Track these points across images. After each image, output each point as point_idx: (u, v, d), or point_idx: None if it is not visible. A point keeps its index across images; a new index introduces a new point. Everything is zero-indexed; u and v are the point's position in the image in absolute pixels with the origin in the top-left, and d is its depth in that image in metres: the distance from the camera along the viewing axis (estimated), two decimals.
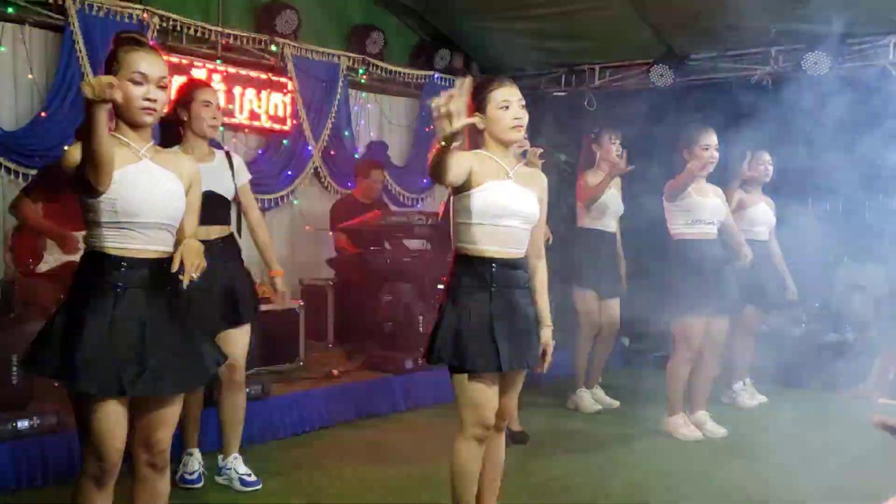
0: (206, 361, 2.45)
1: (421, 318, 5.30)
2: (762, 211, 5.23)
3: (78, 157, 2.22)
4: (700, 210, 4.38)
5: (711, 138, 4.39)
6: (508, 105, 2.74)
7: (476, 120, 2.59)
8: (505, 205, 2.73)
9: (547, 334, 2.89)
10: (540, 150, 3.76)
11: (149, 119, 2.36)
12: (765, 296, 5.15)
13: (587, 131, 5.36)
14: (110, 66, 2.34)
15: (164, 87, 2.36)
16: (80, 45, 5.04)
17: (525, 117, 2.78)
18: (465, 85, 2.41)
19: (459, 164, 2.63)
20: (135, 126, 2.36)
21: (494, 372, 2.75)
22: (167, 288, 2.37)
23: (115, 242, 2.31)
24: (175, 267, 2.29)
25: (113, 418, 2.28)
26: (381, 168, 6.22)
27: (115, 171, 2.28)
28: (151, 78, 2.32)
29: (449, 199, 2.98)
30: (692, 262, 4.34)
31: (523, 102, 2.79)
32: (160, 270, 2.36)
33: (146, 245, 2.34)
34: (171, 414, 2.42)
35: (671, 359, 4.54)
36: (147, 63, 2.32)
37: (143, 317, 2.31)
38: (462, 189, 2.74)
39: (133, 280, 2.31)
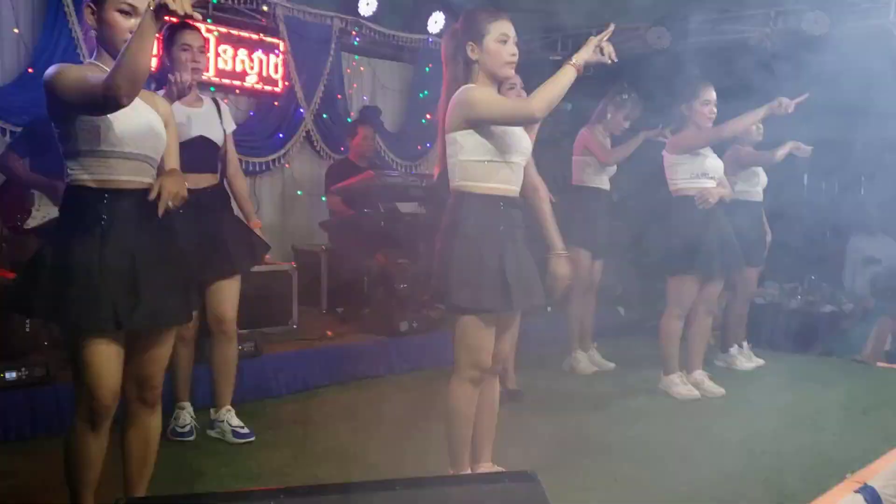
0: (190, 299, 2.39)
1: (410, 282, 5.24)
2: (761, 171, 5.18)
3: (77, 75, 2.15)
4: (704, 164, 4.33)
5: (711, 94, 4.35)
6: (506, 40, 2.67)
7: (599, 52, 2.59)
8: (514, 141, 2.69)
9: (561, 264, 2.93)
10: None
11: None
12: (753, 254, 5.08)
13: (584, 96, 5.26)
14: None
15: None
16: None
17: (517, 56, 2.72)
18: (608, 30, 2.57)
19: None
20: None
21: (496, 314, 2.71)
22: (153, 221, 2.30)
23: (97, 174, 2.23)
24: (153, 195, 2.23)
25: (107, 355, 2.22)
26: (369, 125, 6.13)
27: None
28: (139, 10, 2.23)
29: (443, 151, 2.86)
30: (692, 219, 4.29)
31: (517, 40, 2.73)
32: (146, 202, 2.28)
33: (130, 176, 2.27)
34: (162, 350, 2.37)
35: (663, 315, 4.51)
36: None
37: (132, 249, 2.25)
38: (472, 125, 2.65)
39: (118, 212, 2.24)
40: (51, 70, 2.21)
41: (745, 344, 5.40)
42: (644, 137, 4.87)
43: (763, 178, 5.17)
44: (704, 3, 6.24)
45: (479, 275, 2.64)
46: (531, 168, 2.90)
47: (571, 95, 4.58)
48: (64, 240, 2.24)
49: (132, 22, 2.22)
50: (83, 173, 2.23)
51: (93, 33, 2.31)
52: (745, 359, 5.34)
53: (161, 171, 2.38)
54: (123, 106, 2.10)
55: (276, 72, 6.20)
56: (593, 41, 2.57)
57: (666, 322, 4.48)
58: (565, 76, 2.57)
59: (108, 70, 2.24)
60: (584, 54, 2.56)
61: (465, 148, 2.67)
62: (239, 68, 5.98)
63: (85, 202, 2.24)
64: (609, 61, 2.59)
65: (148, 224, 2.29)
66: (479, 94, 2.65)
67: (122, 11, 2.22)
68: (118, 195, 2.24)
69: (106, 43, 2.27)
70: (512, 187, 2.72)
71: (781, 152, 4.98)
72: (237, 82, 6.01)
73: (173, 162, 2.43)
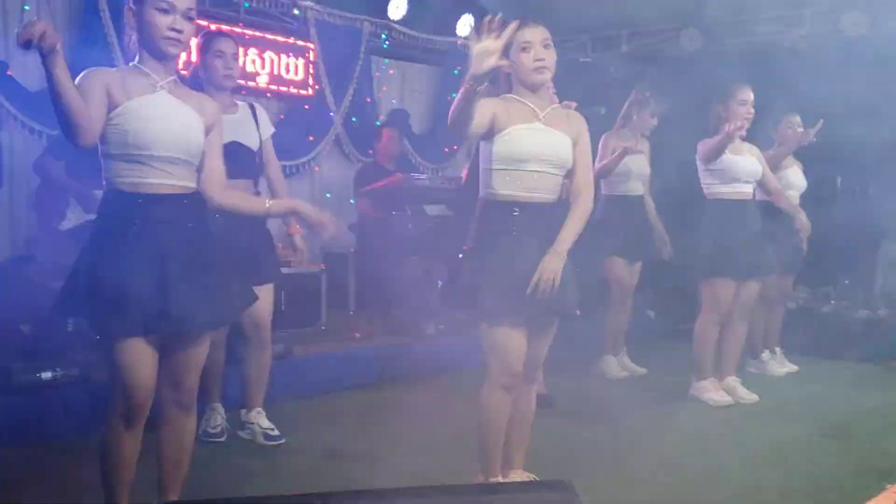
0: (233, 299, 2.39)
1: (440, 283, 5.24)
2: (795, 175, 5.10)
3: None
4: (735, 169, 4.26)
5: (748, 94, 4.27)
6: (529, 46, 2.64)
7: (503, 63, 2.38)
8: (528, 149, 2.66)
9: (548, 260, 2.61)
10: (574, 104, 3.66)
11: (173, 50, 2.30)
12: (787, 259, 4.99)
13: (614, 98, 5.21)
14: None
15: (191, 19, 2.30)
16: (104, 4, 5.01)
17: (549, 58, 2.67)
18: (509, 28, 2.34)
19: (481, 112, 2.55)
20: (158, 57, 2.30)
21: (520, 318, 2.68)
22: (189, 224, 2.32)
23: (130, 177, 2.25)
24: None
25: (139, 356, 2.24)
26: (394, 127, 6.13)
27: (130, 101, 2.22)
28: (178, 7, 2.25)
29: (476, 153, 2.92)
30: (726, 223, 4.24)
31: (548, 42, 2.68)
32: (180, 206, 2.30)
33: (162, 180, 2.27)
34: (196, 353, 2.38)
35: (698, 320, 4.44)
36: None
37: (163, 254, 2.25)
38: (487, 135, 2.69)
39: (150, 216, 2.25)
40: (78, 79, 2.23)
41: (777, 349, 5.32)
42: (624, 152, 4.61)
43: (800, 183, 5.07)
44: (738, 4, 6.16)
45: (489, 279, 2.63)
46: (577, 175, 2.78)
47: (604, 99, 4.53)
48: (97, 243, 2.27)
49: (170, 19, 2.24)
50: (116, 176, 2.26)
51: (135, 36, 2.32)
52: (778, 364, 5.26)
53: (209, 180, 2.39)
54: (82, 145, 2.14)
55: (307, 75, 6.23)
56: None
57: (701, 327, 4.42)
58: (460, 91, 2.39)
59: (150, 73, 2.29)
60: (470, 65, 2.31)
61: (483, 157, 2.74)
62: (270, 72, 6.01)
63: (118, 205, 2.26)
64: (478, 66, 2.26)
65: (183, 228, 2.30)
66: None
67: (159, 10, 2.23)
68: (151, 199, 2.25)
69: (147, 43, 2.29)
70: (531, 194, 2.68)
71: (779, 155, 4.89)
72: (268, 86, 6.03)
73: (219, 168, 2.43)
